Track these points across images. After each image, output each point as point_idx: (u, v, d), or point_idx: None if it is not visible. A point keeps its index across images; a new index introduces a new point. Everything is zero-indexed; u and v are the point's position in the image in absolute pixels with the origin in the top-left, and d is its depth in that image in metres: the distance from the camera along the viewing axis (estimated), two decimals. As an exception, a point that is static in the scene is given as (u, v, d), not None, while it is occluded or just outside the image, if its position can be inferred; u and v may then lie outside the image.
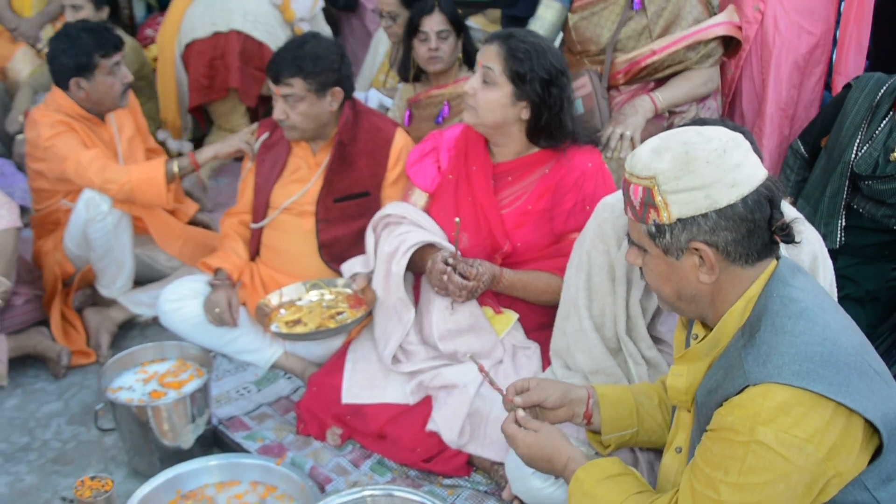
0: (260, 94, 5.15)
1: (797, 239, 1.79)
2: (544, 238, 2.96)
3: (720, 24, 3.59)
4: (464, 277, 2.84)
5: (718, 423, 1.70)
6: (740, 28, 3.68)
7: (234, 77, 4.98)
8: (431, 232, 3.01)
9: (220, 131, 5.23)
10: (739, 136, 1.77)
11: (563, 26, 3.82)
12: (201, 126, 5.38)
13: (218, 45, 4.96)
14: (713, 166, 1.70)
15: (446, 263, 2.86)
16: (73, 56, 3.54)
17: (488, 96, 2.82)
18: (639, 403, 2.23)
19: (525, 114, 2.85)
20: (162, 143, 5.06)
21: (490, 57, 2.81)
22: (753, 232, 1.73)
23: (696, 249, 1.75)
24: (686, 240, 1.75)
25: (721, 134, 1.75)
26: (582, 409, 2.21)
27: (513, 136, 2.93)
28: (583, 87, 3.61)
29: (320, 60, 3.20)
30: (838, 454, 1.63)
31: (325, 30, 5.41)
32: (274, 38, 4.96)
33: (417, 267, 3.01)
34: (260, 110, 5.34)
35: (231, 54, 4.96)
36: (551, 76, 2.81)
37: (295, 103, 3.20)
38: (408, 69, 3.98)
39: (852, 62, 3.93)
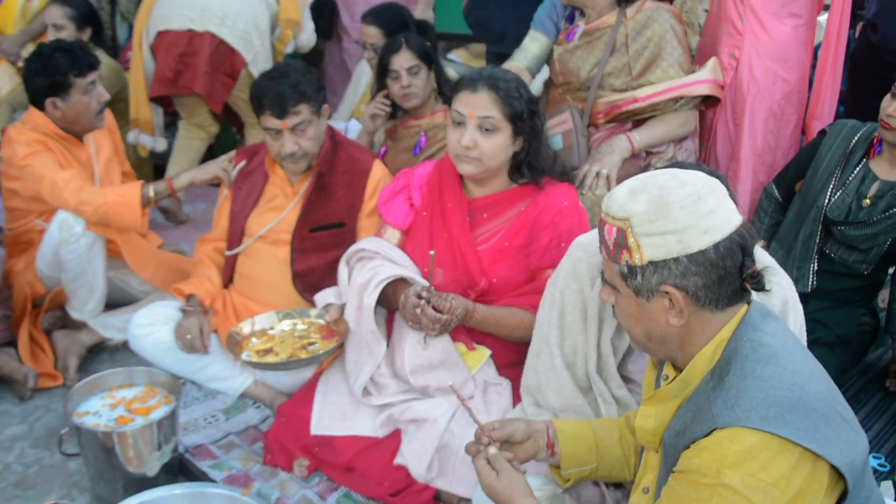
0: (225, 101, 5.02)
1: (767, 287, 1.80)
2: (520, 274, 2.97)
3: (704, 81, 3.62)
4: (437, 311, 2.84)
5: (685, 465, 1.71)
6: (723, 87, 3.72)
7: (199, 83, 4.82)
8: (405, 267, 3.01)
9: (188, 126, 5.15)
10: (716, 181, 1.78)
11: (548, 59, 3.86)
12: (168, 111, 5.27)
13: (192, 42, 4.80)
14: (686, 212, 1.71)
15: (419, 297, 2.85)
16: (47, 76, 3.54)
17: (494, 142, 2.83)
18: (598, 439, 2.25)
19: (518, 145, 2.88)
20: (133, 147, 5.01)
21: (485, 105, 2.81)
22: (724, 278, 1.74)
23: (666, 293, 1.76)
24: (657, 282, 1.76)
25: (697, 179, 1.76)
26: (543, 440, 2.22)
27: (501, 174, 2.96)
28: (564, 122, 3.64)
29: (312, 81, 3.23)
30: (804, 499, 1.63)
31: (310, 25, 5.27)
32: (248, 46, 4.84)
33: (390, 302, 3.01)
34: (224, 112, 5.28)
35: (201, 57, 4.80)
36: (534, 105, 2.87)
37: (305, 129, 3.21)
38: None
39: (827, 107, 3.98)
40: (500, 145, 2.84)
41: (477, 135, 2.82)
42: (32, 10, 5.28)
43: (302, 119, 3.18)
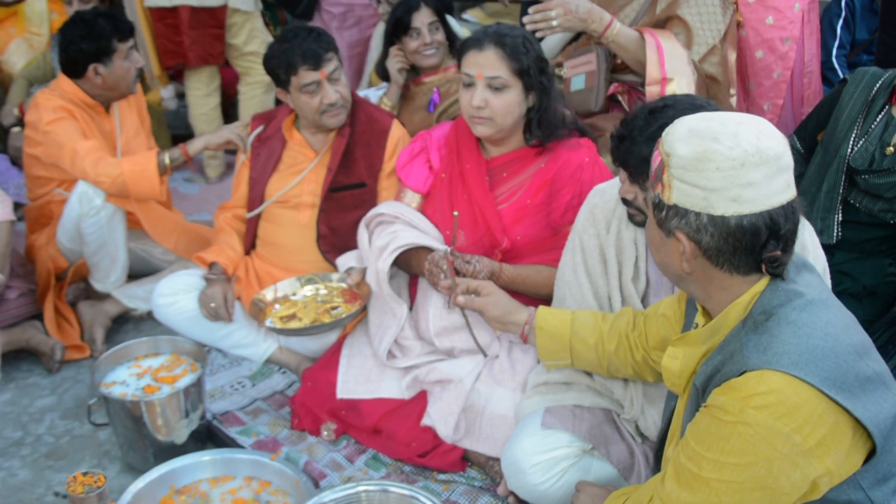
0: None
1: (785, 276, 1.76)
2: (543, 231, 2.95)
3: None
4: (461, 274, 2.82)
5: (712, 400, 1.72)
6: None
7: (190, 57, 4.96)
8: (425, 232, 3.00)
9: (195, 93, 5.23)
10: (776, 153, 1.68)
11: None
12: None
13: (172, 15, 4.89)
14: (721, 174, 1.67)
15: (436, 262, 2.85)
16: (92, 41, 3.56)
17: (504, 100, 2.80)
18: (574, 340, 2.41)
19: (531, 101, 2.86)
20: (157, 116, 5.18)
21: (492, 63, 2.77)
22: (739, 251, 1.71)
23: (680, 239, 1.76)
24: (674, 225, 1.75)
25: (756, 146, 1.67)
26: (518, 330, 2.53)
27: (517, 133, 2.93)
28: (588, 63, 3.54)
29: (324, 32, 3.28)
30: (827, 451, 1.63)
31: None
32: None
33: (411, 268, 3.01)
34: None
35: (181, 29, 4.90)
36: (542, 62, 2.84)
37: (339, 76, 3.25)
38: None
39: None
40: (511, 102, 2.81)
41: (487, 94, 2.79)
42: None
43: (335, 66, 3.22)
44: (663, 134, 1.78)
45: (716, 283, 1.79)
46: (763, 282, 1.77)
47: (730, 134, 1.69)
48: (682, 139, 1.72)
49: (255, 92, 5.18)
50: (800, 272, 1.79)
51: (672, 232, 1.76)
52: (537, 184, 2.93)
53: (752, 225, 1.68)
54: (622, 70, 3.60)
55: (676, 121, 1.78)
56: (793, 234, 1.73)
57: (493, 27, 2.86)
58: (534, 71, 2.80)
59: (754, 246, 1.70)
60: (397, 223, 3.02)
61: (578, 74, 3.54)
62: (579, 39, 3.82)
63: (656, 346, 2.28)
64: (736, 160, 1.66)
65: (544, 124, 2.90)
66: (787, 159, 1.70)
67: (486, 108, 2.80)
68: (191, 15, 4.86)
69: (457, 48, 2.92)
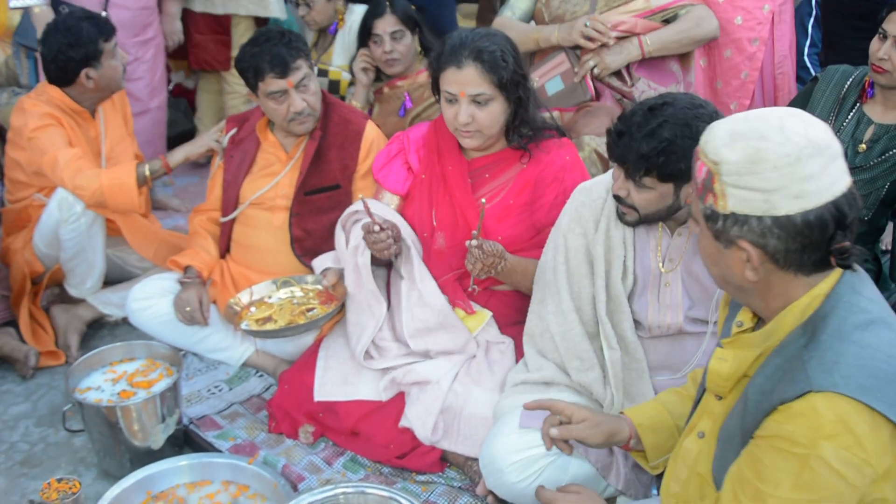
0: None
1: (855, 268, 1.68)
2: (526, 232, 2.94)
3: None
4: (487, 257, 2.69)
5: (774, 430, 1.62)
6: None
7: (193, 58, 5.14)
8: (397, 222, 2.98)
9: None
10: (826, 142, 1.62)
11: (534, 9, 3.80)
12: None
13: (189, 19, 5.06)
14: (780, 173, 1.58)
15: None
16: (80, 47, 3.50)
17: (490, 113, 2.78)
18: (676, 422, 2.20)
19: (510, 107, 2.84)
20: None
21: (473, 81, 2.74)
22: (807, 247, 1.62)
23: (743, 247, 1.66)
24: (735, 234, 1.65)
25: (805, 136, 1.60)
26: (622, 443, 2.22)
27: (500, 137, 2.93)
28: (560, 64, 3.57)
29: (299, 37, 3.25)
30: (891, 478, 1.58)
31: None
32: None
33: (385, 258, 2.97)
34: None
35: (192, 32, 5.06)
36: (520, 69, 2.81)
37: (308, 84, 3.20)
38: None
39: None
40: (496, 113, 2.80)
41: (472, 109, 2.77)
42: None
43: (304, 74, 3.18)
44: (701, 143, 1.70)
45: (776, 290, 1.70)
46: (824, 286, 1.68)
47: (776, 129, 1.61)
48: (726, 144, 1.63)
49: (235, 101, 5.17)
50: (865, 284, 1.70)
51: (733, 241, 1.66)
52: (520, 184, 2.92)
53: (819, 218, 1.59)
54: None
55: (709, 127, 1.70)
56: (857, 222, 1.65)
57: (470, 37, 2.79)
58: (514, 81, 2.77)
59: (822, 240, 1.61)
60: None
61: (552, 79, 3.57)
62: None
63: None
64: (791, 155, 1.58)
65: (527, 128, 2.89)
66: (837, 146, 1.63)
67: (471, 123, 2.78)
68: (196, 20, 4.99)
69: (430, 56, 2.88)
